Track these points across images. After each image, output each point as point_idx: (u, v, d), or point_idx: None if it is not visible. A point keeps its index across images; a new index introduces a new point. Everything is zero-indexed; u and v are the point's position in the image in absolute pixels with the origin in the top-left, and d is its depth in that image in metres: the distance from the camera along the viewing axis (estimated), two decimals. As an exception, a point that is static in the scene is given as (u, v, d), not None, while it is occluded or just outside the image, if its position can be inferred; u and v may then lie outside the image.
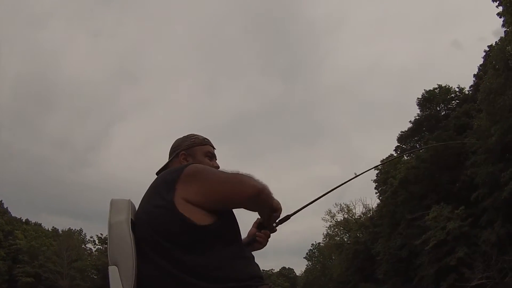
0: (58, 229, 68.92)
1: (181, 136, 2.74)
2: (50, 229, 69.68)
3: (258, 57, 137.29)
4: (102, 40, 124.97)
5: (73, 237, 65.46)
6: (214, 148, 2.73)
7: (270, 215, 2.51)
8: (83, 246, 68.87)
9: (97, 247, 70.21)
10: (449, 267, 31.95)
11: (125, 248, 2.11)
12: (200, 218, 2.12)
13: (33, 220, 70.19)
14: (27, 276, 54.69)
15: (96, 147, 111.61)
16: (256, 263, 2.34)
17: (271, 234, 2.72)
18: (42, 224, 70.59)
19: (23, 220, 68.07)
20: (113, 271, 2.09)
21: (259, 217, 2.61)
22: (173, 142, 2.73)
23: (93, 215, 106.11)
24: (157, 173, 2.59)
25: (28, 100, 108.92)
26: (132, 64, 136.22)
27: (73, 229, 68.28)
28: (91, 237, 70.65)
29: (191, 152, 2.62)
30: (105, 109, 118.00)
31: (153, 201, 2.23)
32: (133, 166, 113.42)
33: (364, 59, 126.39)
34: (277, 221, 2.63)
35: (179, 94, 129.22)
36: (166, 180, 2.25)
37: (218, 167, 2.63)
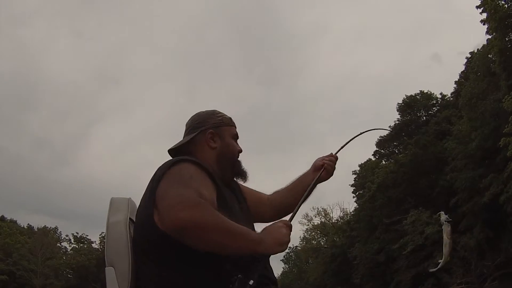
0: (33, 227, 68.40)
1: (203, 110, 2.42)
2: (25, 227, 68.99)
3: (238, 63, 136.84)
4: (84, 41, 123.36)
5: (48, 235, 64.68)
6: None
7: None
8: (58, 244, 68.05)
9: (72, 245, 69.47)
10: (427, 272, 32.06)
11: (122, 249, 2.05)
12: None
13: (9, 217, 69.46)
14: (0, 274, 53.83)
15: (75, 147, 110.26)
16: None
17: None
18: (17, 222, 69.89)
19: (-1, 218, 67.27)
20: (109, 272, 2.03)
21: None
22: (193, 115, 2.41)
23: (70, 214, 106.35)
24: (169, 150, 2.34)
25: (8, 98, 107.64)
26: (113, 66, 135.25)
27: (48, 227, 67.56)
28: (67, 235, 69.89)
29: (219, 131, 2.33)
30: (85, 109, 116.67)
31: (143, 198, 2.08)
32: (111, 167, 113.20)
33: (343, 68, 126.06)
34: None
35: (159, 97, 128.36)
36: (155, 175, 2.03)
37: (241, 151, 2.40)
